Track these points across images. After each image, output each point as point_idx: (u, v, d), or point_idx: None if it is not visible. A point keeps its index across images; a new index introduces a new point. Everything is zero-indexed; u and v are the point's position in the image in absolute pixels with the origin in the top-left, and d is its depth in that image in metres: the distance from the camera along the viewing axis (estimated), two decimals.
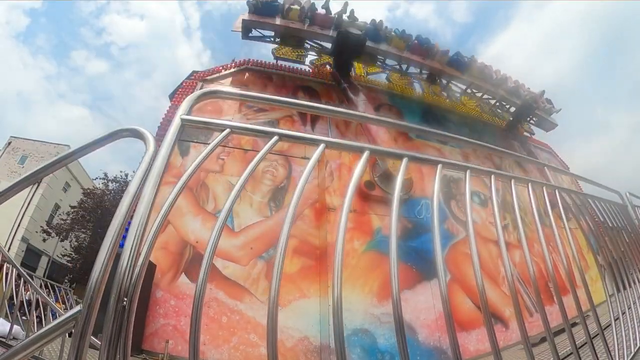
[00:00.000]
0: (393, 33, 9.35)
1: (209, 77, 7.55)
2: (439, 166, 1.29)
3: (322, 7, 8.60)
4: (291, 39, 8.64)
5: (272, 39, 8.81)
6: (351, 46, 8.28)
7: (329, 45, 8.89)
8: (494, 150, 2.74)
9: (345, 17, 8.52)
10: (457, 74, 10.07)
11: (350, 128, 7.27)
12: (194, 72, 7.81)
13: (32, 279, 4.96)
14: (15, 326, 3.44)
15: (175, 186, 0.81)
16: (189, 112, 0.92)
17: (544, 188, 1.84)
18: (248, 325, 4.39)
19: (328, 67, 9.13)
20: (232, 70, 7.91)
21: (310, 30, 8.52)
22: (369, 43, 8.62)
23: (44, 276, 14.34)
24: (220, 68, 7.90)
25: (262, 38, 8.83)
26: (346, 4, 8.61)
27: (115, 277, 0.69)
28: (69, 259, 17.64)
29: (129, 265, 0.69)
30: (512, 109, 10.83)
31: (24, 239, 17.89)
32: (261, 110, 6.69)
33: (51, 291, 7.67)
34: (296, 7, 8.36)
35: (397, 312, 0.79)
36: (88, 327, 0.66)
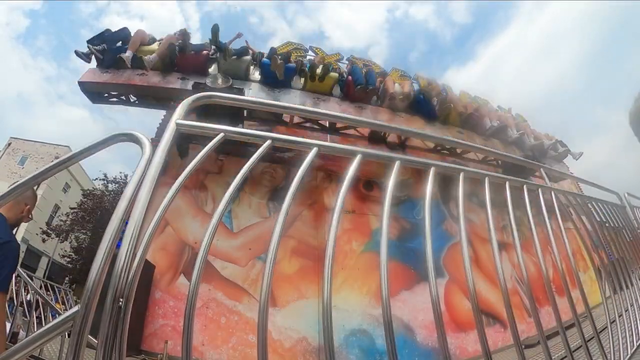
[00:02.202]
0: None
1: None
2: (432, 169, 1.31)
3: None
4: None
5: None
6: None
7: None
8: (487, 152, 2.76)
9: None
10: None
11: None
12: None
13: (32, 280, 4.99)
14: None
15: (170, 190, 0.83)
16: (184, 117, 0.94)
17: (540, 190, 1.86)
18: (247, 326, 4.40)
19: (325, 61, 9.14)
20: None
21: None
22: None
23: (44, 277, 14.37)
24: None
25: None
26: None
27: (111, 278, 0.71)
28: (68, 259, 17.66)
29: (124, 267, 0.71)
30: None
31: (23, 240, 17.91)
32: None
33: (51, 292, 7.69)
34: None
35: (387, 315, 0.81)
36: (85, 327, 0.69)
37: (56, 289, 8.14)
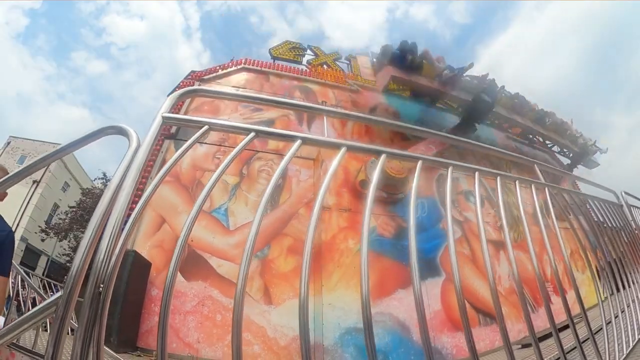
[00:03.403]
0: (503, 95, 10.19)
1: (206, 77, 7.59)
2: (419, 163, 1.31)
3: (457, 71, 9.02)
4: (425, 97, 9.33)
5: (409, 93, 9.32)
6: (481, 110, 8.78)
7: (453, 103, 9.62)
8: (486, 149, 2.76)
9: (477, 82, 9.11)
10: (541, 130, 11.12)
11: (346, 128, 7.31)
12: (192, 72, 7.86)
13: (30, 278, 4.99)
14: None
15: (155, 179, 0.84)
16: (170, 110, 0.95)
17: (533, 186, 1.84)
18: (242, 323, 4.41)
19: (325, 66, 9.18)
20: (230, 69, 7.96)
21: (444, 90, 8.95)
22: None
23: (42, 275, 14.35)
24: (218, 68, 7.95)
25: (398, 90, 9.31)
26: (487, 75, 9.34)
27: (93, 265, 0.72)
28: (67, 258, 17.66)
29: (106, 254, 0.73)
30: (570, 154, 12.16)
31: (22, 239, 17.91)
32: (257, 109, 6.73)
33: (48, 290, 7.71)
34: (429, 64, 8.70)
35: (366, 313, 0.83)
36: (67, 313, 0.70)
37: (53, 287, 8.15)
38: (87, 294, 0.69)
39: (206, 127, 0.91)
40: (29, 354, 2.54)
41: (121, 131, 1.02)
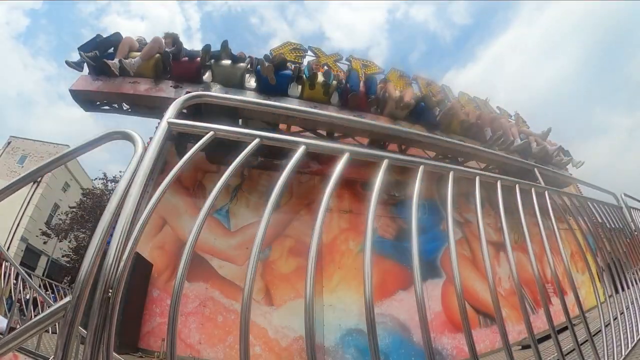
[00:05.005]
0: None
1: None
2: (421, 168, 1.32)
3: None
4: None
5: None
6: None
7: None
8: (487, 154, 2.78)
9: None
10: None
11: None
12: None
13: (31, 278, 5.01)
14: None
15: (160, 186, 0.85)
16: (175, 116, 0.96)
17: (533, 189, 1.86)
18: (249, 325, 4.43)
19: (326, 67, 9.18)
20: None
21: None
22: None
23: (43, 275, 14.37)
24: None
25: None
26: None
27: (102, 270, 0.73)
28: (68, 259, 17.67)
29: (115, 260, 0.74)
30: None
31: (23, 239, 17.93)
32: None
33: (50, 290, 7.73)
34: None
35: (370, 315, 0.84)
36: (76, 318, 0.71)
37: (55, 287, 8.16)
38: (96, 299, 0.70)
39: (211, 133, 0.92)
40: (33, 356, 2.55)
41: (126, 136, 1.03)
